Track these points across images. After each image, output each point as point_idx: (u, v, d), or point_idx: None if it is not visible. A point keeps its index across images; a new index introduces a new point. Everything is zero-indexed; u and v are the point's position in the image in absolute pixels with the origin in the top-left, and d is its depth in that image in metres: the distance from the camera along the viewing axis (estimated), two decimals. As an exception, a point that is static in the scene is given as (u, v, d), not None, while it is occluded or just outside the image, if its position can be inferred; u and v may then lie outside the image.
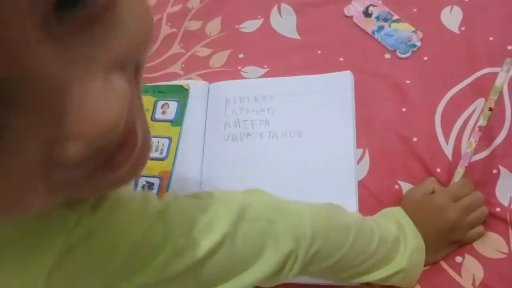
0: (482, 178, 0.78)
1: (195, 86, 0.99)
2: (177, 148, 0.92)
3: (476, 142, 0.76)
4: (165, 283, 0.48)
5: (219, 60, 1.05)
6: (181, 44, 1.10)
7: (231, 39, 1.08)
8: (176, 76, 1.04)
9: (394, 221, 0.71)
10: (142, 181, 0.89)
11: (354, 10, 1.04)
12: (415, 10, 1.00)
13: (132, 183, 0.49)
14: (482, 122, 0.77)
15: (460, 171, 0.77)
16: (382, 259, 0.66)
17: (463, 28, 0.94)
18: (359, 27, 1.01)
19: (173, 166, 0.90)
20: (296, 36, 1.04)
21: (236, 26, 1.09)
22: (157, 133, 0.93)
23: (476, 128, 0.77)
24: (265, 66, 1.01)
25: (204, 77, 1.03)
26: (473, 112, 0.84)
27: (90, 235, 0.41)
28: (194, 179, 0.90)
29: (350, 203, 0.81)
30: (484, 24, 0.93)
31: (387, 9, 1.01)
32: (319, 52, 1.00)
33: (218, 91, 0.99)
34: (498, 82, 0.79)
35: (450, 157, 0.81)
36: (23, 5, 0.23)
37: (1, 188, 0.28)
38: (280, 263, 0.55)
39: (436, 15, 0.98)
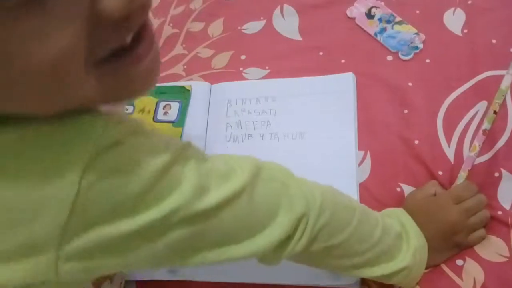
0: (484, 181, 0.77)
1: (197, 87, 0.99)
2: (179, 149, 0.91)
3: (480, 145, 0.75)
4: (174, 231, 0.46)
5: (221, 61, 1.04)
6: (184, 45, 1.10)
7: (233, 40, 1.07)
8: (178, 77, 1.04)
9: (396, 220, 0.71)
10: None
11: (356, 11, 1.03)
12: (418, 12, 0.99)
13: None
14: (486, 125, 0.76)
15: (463, 175, 0.76)
16: (385, 252, 0.65)
17: (465, 31, 0.94)
18: (361, 28, 1.01)
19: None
20: (298, 37, 1.04)
21: (239, 27, 1.09)
22: (159, 134, 0.93)
23: (480, 132, 0.76)
24: (267, 68, 1.00)
25: (206, 78, 1.02)
26: (475, 115, 0.84)
27: (118, 144, 0.42)
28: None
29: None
30: (487, 26, 0.93)
31: (389, 10, 1.01)
32: (321, 53, 1.00)
33: (220, 92, 0.99)
34: (503, 86, 0.78)
35: (452, 160, 0.81)
36: None
37: (51, 49, 0.32)
38: (292, 226, 0.54)
39: (439, 17, 0.97)
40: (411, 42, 0.95)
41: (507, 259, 0.72)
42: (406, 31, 0.97)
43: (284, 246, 0.55)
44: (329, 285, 0.73)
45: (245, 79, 1.00)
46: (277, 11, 1.08)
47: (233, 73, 1.02)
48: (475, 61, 0.89)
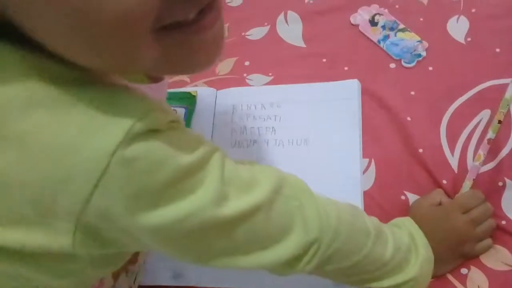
0: (488, 190, 0.77)
1: (203, 93, 0.98)
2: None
3: (484, 154, 0.75)
4: (184, 233, 0.46)
5: (225, 67, 1.03)
6: (189, 51, 1.09)
7: (237, 46, 1.06)
8: (183, 83, 1.03)
9: (406, 231, 0.70)
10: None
11: (360, 18, 1.02)
12: (421, 19, 0.99)
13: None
14: (491, 134, 0.75)
15: (468, 183, 0.75)
16: (395, 267, 0.65)
17: (469, 39, 0.93)
18: (365, 35, 1.00)
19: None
20: (302, 44, 1.03)
21: (243, 33, 1.08)
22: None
23: (485, 141, 0.75)
24: (270, 74, 0.99)
25: (210, 84, 1.01)
26: (478, 123, 0.83)
27: (155, 132, 0.41)
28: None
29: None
30: (491, 35, 0.92)
31: (393, 18, 1.00)
32: (324, 60, 0.99)
33: (225, 98, 0.98)
34: (508, 95, 0.77)
35: (456, 169, 0.80)
36: None
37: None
38: (304, 248, 0.54)
39: (443, 25, 0.97)
40: (414, 50, 0.95)
41: (511, 268, 0.71)
42: (409, 39, 0.96)
43: (293, 265, 0.55)
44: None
45: (249, 85, 0.99)
46: (281, 17, 1.07)
47: (236, 79, 1.01)
48: (478, 70, 0.89)
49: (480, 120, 0.83)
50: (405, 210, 0.79)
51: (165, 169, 0.42)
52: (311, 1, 1.08)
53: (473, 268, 0.73)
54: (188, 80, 1.03)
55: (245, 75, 1.01)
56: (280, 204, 0.52)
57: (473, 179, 0.75)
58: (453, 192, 0.78)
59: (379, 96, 0.91)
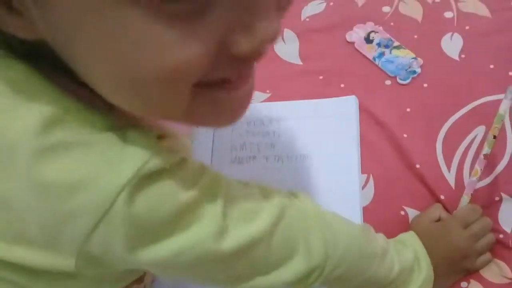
0: (485, 205, 0.77)
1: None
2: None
3: (481, 170, 0.75)
4: (181, 265, 0.46)
5: (223, 84, 1.03)
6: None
7: (235, 63, 1.06)
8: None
9: (411, 249, 0.69)
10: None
11: (356, 36, 1.03)
12: (415, 36, 0.99)
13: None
14: (487, 150, 0.76)
15: (466, 198, 0.75)
16: (397, 287, 0.65)
17: (463, 56, 0.94)
18: (360, 53, 1.00)
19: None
20: (298, 61, 1.03)
21: (240, 51, 1.08)
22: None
23: (481, 156, 0.76)
24: (268, 91, 0.99)
25: (209, 101, 1.01)
26: (473, 139, 0.83)
27: (160, 173, 0.41)
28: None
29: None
30: (485, 51, 0.93)
31: (388, 35, 1.01)
32: (320, 77, 0.99)
33: (224, 115, 0.97)
34: (502, 110, 0.78)
35: (453, 185, 0.80)
36: None
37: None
38: (305, 274, 0.53)
39: (437, 42, 0.97)
40: (409, 67, 0.95)
41: (510, 281, 0.72)
42: (404, 56, 0.97)
43: (295, 285, 0.54)
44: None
45: (246, 102, 0.99)
46: (278, 35, 1.07)
47: (234, 96, 1.00)
48: (472, 86, 0.89)
49: (475, 136, 0.84)
50: (405, 225, 0.78)
51: (165, 208, 0.42)
52: (308, 19, 1.09)
53: (472, 281, 0.73)
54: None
55: (242, 92, 1.00)
56: (282, 232, 0.51)
57: (471, 194, 0.75)
58: (451, 207, 0.78)
59: (375, 113, 0.91)
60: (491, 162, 0.79)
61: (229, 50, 0.36)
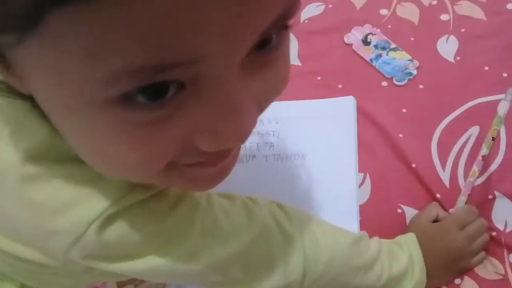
0: (479, 203, 0.77)
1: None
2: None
3: (479, 170, 0.75)
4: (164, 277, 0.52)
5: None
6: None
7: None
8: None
9: (407, 252, 0.69)
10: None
11: (353, 38, 1.03)
12: (412, 39, 1.00)
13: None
14: (485, 151, 0.76)
15: (463, 198, 0.76)
16: None
17: (458, 58, 0.94)
18: (358, 54, 1.01)
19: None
20: (297, 62, 1.03)
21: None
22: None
23: (479, 157, 0.76)
24: (267, 91, 0.99)
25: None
26: (468, 139, 0.84)
27: (128, 208, 0.44)
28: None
29: (352, 227, 0.79)
30: (479, 53, 0.93)
31: (385, 37, 1.01)
32: (319, 78, 0.99)
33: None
34: (501, 112, 0.78)
35: (447, 184, 0.80)
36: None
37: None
38: (282, 286, 0.55)
39: (433, 44, 0.97)
40: (405, 68, 0.95)
41: (502, 277, 0.72)
42: (401, 58, 0.97)
43: None
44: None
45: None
46: (277, 37, 1.08)
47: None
48: (467, 87, 0.90)
49: (470, 136, 0.84)
50: (401, 223, 0.79)
51: (134, 237, 0.45)
52: (307, 21, 1.09)
53: (466, 278, 0.73)
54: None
55: (242, 92, 1.01)
56: (260, 250, 0.53)
57: (468, 194, 0.76)
58: (447, 205, 0.78)
59: (371, 113, 0.91)
60: (485, 162, 0.79)
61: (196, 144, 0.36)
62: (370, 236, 0.70)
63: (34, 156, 0.42)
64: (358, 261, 0.61)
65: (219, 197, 0.54)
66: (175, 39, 0.28)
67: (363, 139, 0.89)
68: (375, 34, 1.02)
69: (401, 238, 0.73)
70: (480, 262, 0.74)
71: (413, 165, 0.83)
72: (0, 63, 0.34)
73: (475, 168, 0.76)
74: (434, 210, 0.77)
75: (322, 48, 1.04)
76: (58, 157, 0.42)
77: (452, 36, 0.98)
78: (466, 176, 0.79)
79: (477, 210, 0.76)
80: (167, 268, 0.48)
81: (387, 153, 0.86)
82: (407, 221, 0.79)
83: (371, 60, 0.99)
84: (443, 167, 0.82)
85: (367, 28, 1.04)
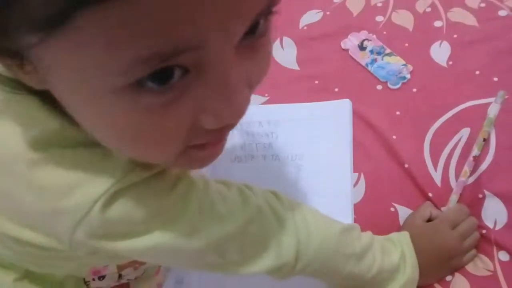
0: (470, 202, 0.78)
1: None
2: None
3: (470, 170, 0.76)
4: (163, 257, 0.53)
5: (225, 89, 1.05)
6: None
7: (236, 69, 1.07)
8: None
9: (399, 249, 0.69)
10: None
11: (350, 43, 1.04)
12: (406, 44, 1.01)
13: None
14: (476, 152, 0.77)
15: (455, 198, 0.77)
16: (375, 285, 0.66)
17: (450, 62, 0.95)
18: (354, 59, 1.02)
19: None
20: (296, 67, 1.05)
21: (242, 57, 1.09)
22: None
23: (471, 158, 0.77)
24: (266, 95, 1.01)
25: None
26: (459, 141, 0.85)
27: (132, 186, 0.46)
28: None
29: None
30: (471, 58, 0.94)
31: (380, 43, 1.02)
32: (316, 82, 1.01)
33: (226, 117, 0.98)
34: (491, 114, 0.79)
35: (439, 183, 0.81)
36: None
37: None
38: (276, 268, 0.56)
39: (426, 49, 0.99)
40: (399, 73, 0.97)
41: (492, 273, 0.73)
42: (395, 62, 0.98)
43: (271, 275, 0.58)
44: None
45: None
46: (277, 42, 1.09)
47: (235, 99, 1.02)
48: (459, 91, 0.91)
49: (461, 138, 0.85)
50: (394, 221, 0.80)
51: (137, 215, 0.47)
52: (305, 27, 1.10)
53: (457, 274, 0.74)
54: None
55: (242, 95, 1.02)
56: (255, 232, 0.55)
57: (460, 193, 0.77)
58: (439, 204, 0.79)
59: (367, 116, 0.93)
60: (475, 161, 0.80)
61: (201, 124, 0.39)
62: (364, 233, 0.71)
63: (42, 143, 0.44)
64: (349, 248, 0.62)
65: (216, 183, 0.55)
66: (181, 28, 0.31)
67: (358, 140, 0.90)
68: (371, 40, 1.03)
69: (394, 235, 0.73)
70: (471, 259, 0.74)
71: (406, 165, 0.84)
72: (15, 62, 0.36)
73: (466, 168, 0.77)
74: (427, 209, 0.77)
75: (320, 53, 1.05)
76: (65, 143, 0.44)
77: (445, 42, 0.99)
78: (457, 176, 0.80)
79: (468, 208, 0.77)
80: (169, 245, 0.49)
81: (381, 154, 0.87)
82: (400, 219, 0.80)
83: (367, 64, 1.00)
84: (435, 167, 0.83)
85: (363, 34, 1.05)
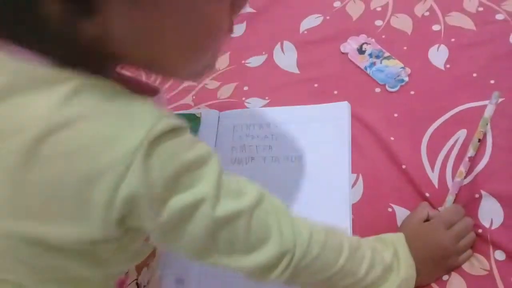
0: (466, 202, 0.77)
1: (207, 114, 1.00)
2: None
3: (466, 171, 0.76)
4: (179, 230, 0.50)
5: (226, 92, 1.05)
6: (194, 77, 1.11)
7: (237, 73, 1.08)
8: (187, 107, 1.05)
9: (391, 249, 0.69)
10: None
11: (349, 47, 1.04)
12: (405, 48, 1.00)
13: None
14: (472, 152, 0.77)
15: (451, 198, 0.76)
16: (369, 285, 0.65)
17: (448, 65, 0.95)
18: (353, 63, 1.02)
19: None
20: (296, 70, 1.05)
21: (243, 61, 1.10)
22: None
23: (466, 158, 0.77)
24: (267, 98, 1.01)
25: (211, 107, 1.03)
26: (455, 142, 0.84)
27: (172, 131, 0.45)
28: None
29: (344, 225, 0.80)
30: (468, 61, 0.94)
31: (379, 47, 1.02)
32: (316, 85, 1.01)
33: (227, 119, 0.99)
34: (487, 114, 0.78)
35: (436, 184, 0.81)
36: None
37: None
38: (278, 257, 0.55)
39: (424, 53, 0.98)
40: (398, 76, 0.96)
41: (488, 273, 0.72)
42: (393, 66, 0.98)
43: (269, 272, 0.56)
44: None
45: (246, 108, 1.01)
46: (277, 46, 1.09)
47: (236, 102, 1.03)
48: (456, 93, 0.90)
49: (457, 139, 0.84)
50: (392, 221, 0.79)
51: (174, 163, 0.46)
52: (305, 32, 1.10)
53: (453, 274, 0.73)
54: (192, 103, 1.05)
55: (243, 98, 1.02)
56: (260, 215, 0.54)
57: (456, 194, 0.77)
58: (436, 204, 0.79)
59: (365, 118, 0.92)
60: (472, 162, 0.79)
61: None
62: (361, 235, 0.71)
63: (68, 97, 0.43)
64: (334, 242, 0.62)
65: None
66: None
67: (356, 141, 0.90)
68: (369, 44, 1.03)
69: (386, 235, 0.73)
70: (467, 259, 0.74)
71: (404, 166, 0.84)
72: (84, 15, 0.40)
73: (462, 168, 0.77)
74: (424, 210, 0.77)
75: (320, 57, 1.05)
76: (99, 96, 0.44)
77: (442, 45, 0.98)
78: (454, 176, 0.80)
79: (464, 208, 0.76)
80: (196, 207, 0.48)
81: (379, 155, 0.87)
82: (397, 219, 0.80)
83: (366, 68, 1.00)
84: (432, 168, 0.82)
85: (363, 38, 1.05)
